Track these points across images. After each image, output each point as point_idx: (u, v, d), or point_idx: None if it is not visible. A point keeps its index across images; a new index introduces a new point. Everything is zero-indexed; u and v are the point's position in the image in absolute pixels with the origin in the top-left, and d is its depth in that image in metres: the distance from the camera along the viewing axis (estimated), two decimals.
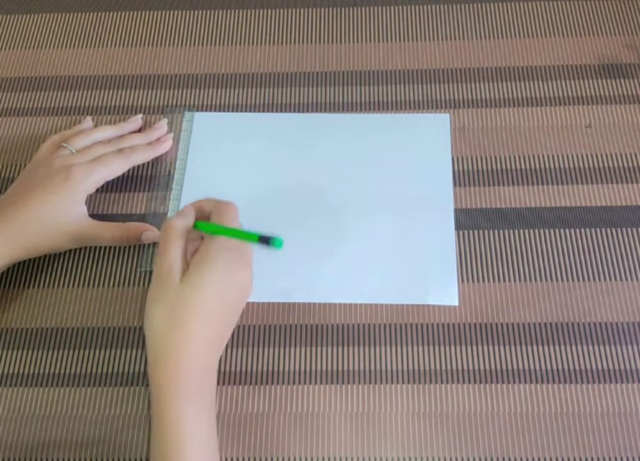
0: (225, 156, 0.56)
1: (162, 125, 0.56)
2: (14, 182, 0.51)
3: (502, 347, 0.48)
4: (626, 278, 0.49)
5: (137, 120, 0.57)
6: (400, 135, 0.56)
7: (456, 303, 0.49)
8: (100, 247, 0.52)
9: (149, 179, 0.55)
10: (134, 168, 0.54)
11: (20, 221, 0.47)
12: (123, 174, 0.53)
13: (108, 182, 0.52)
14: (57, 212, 0.48)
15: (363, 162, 0.55)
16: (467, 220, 0.52)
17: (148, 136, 0.55)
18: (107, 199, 0.54)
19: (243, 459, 0.45)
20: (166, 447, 0.39)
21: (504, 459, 0.44)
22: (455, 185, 0.54)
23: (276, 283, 0.50)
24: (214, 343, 0.43)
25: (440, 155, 0.55)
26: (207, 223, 0.45)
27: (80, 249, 0.52)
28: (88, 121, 0.56)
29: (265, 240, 0.43)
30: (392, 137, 0.56)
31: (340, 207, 0.53)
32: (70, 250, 0.52)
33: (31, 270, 0.51)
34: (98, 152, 0.51)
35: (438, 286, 0.49)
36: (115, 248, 0.52)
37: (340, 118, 0.57)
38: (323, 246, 0.51)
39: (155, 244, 0.52)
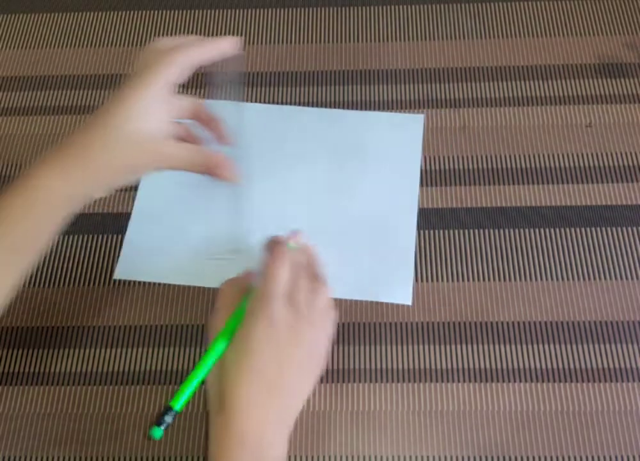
0: None
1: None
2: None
3: (500, 346, 0.47)
4: (627, 277, 0.49)
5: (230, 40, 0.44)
6: (372, 132, 0.56)
7: (410, 303, 0.49)
8: (100, 247, 0.52)
9: None
10: None
11: (103, 136, 0.40)
12: None
13: None
14: (137, 115, 0.40)
15: (335, 156, 0.55)
16: (469, 219, 0.52)
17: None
18: (108, 198, 0.54)
19: None
20: None
21: (502, 457, 0.44)
22: (455, 184, 0.54)
23: None
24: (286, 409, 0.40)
25: (409, 155, 0.55)
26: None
27: (80, 249, 0.52)
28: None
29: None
30: (364, 135, 0.56)
31: (306, 199, 0.53)
32: (70, 250, 0.52)
33: (31, 270, 0.51)
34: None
35: (392, 284, 0.49)
36: (115, 248, 0.52)
37: (319, 113, 0.57)
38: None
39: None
